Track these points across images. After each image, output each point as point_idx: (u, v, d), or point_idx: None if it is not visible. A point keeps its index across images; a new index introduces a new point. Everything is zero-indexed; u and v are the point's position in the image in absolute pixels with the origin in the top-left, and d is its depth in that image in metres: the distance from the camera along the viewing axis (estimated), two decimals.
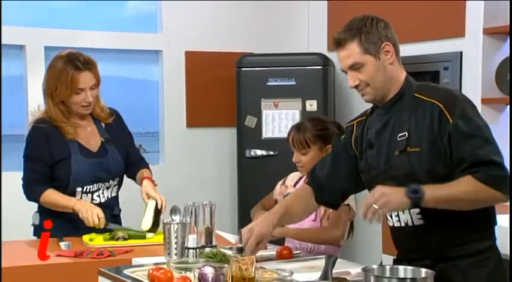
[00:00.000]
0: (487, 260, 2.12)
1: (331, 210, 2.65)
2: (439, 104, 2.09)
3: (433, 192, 2.03)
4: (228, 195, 4.73)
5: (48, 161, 2.97)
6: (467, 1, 3.88)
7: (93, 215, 2.87)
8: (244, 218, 3.66)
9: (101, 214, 2.89)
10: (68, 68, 2.93)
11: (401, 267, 1.96)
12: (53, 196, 2.96)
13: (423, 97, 2.13)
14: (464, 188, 2.05)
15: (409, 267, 1.95)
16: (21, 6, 4.27)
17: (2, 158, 3.65)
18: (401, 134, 2.14)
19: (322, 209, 2.70)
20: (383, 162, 2.20)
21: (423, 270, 1.91)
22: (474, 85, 3.84)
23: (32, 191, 2.99)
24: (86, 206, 2.92)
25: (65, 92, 2.94)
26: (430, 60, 4.10)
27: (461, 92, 2.32)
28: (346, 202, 2.64)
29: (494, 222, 2.20)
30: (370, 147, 2.24)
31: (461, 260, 2.09)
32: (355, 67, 2.17)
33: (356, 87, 2.19)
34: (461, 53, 3.92)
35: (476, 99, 3.84)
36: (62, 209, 2.95)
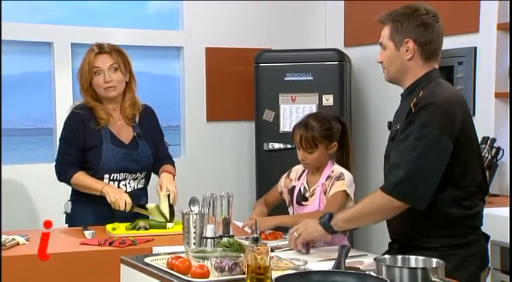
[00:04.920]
0: (452, 255, 2.19)
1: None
2: (415, 99, 2.20)
3: (341, 214, 2.25)
4: (246, 186, 4.81)
5: (82, 145, 3.08)
6: None
7: (120, 200, 2.98)
8: None
9: (128, 200, 2.99)
10: (90, 52, 3.10)
11: (412, 257, 2.00)
12: (83, 178, 3.06)
13: (420, 94, 2.23)
14: (363, 202, 2.23)
15: (420, 257, 1.99)
16: (49, 5, 4.38)
17: (33, 150, 3.82)
18: (396, 125, 2.29)
19: (324, 199, 2.77)
20: (387, 147, 2.36)
21: (434, 260, 1.96)
22: (488, 80, 3.88)
23: (63, 172, 3.10)
24: (114, 191, 3.02)
25: (85, 75, 3.09)
26: (445, 56, 3.99)
27: (465, 93, 2.40)
28: (343, 188, 2.73)
29: (473, 223, 2.26)
30: (389, 128, 2.40)
31: (427, 251, 2.15)
32: (382, 46, 2.32)
33: (381, 63, 2.34)
34: (475, 48, 3.95)
35: (489, 94, 3.88)
36: (90, 192, 3.05)
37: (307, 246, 2.43)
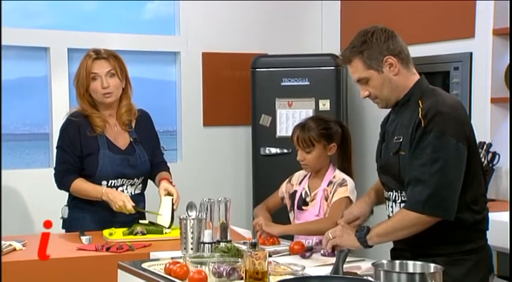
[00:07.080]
0: (464, 260, 2.20)
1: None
2: (422, 111, 2.19)
3: (375, 229, 2.22)
4: (243, 191, 4.82)
5: (78, 152, 3.09)
6: (477, 1, 3.94)
7: (124, 205, 2.99)
8: None
9: (129, 206, 3.00)
10: (87, 58, 3.11)
11: (410, 262, 2.01)
12: (80, 185, 3.08)
13: (420, 104, 2.22)
14: (395, 219, 2.22)
15: (418, 262, 2.00)
16: (45, 10, 4.39)
17: (29, 155, 3.82)
18: (397, 137, 2.27)
19: (325, 204, 2.79)
20: (383, 158, 2.35)
21: (432, 265, 1.96)
22: (484, 85, 3.90)
23: (62, 180, 3.11)
24: (115, 198, 3.01)
25: (82, 81, 3.09)
26: (441, 61, 4.15)
27: (464, 102, 2.36)
28: (346, 194, 2.74)
29: (483, 227, 2.28)
30: (383, 140, 2.38)
31: (439, 257, 2.16)
32: (363, 81, 2.30)
33: (368, 96, 2.33)
34: (471, 53, 3.97)
35: (485, 99, 3.89)
36: (90, 198, 3.07)
37: (332, 251, 2.40)
